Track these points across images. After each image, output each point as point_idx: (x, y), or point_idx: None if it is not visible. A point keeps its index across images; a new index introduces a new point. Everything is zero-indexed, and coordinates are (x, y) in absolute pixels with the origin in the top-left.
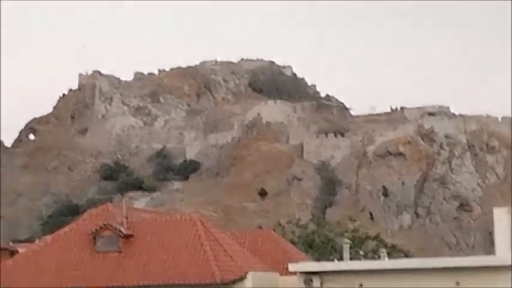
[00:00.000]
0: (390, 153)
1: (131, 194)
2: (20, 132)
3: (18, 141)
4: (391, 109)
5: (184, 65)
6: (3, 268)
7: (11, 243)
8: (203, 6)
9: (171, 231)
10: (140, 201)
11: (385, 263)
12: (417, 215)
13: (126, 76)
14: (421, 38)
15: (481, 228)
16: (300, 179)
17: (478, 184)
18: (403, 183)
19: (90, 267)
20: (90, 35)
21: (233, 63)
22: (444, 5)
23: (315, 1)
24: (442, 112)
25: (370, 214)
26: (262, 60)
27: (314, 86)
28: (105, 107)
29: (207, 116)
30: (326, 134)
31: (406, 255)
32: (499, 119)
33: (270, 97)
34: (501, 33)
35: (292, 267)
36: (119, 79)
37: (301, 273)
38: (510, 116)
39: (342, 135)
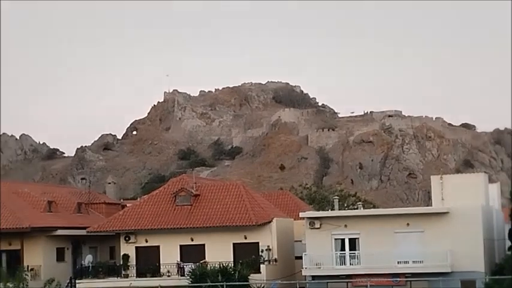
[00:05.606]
0: (364, 141)
1: (198, 168)
2: (127, 129)
3: (125, 135)
4: (364, 112)
5: (231, 85)
6: (119, 216)
7: (122, 200)
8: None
9: (224, 192)
10: (204, 173)
11: (360, 211)
12: (381, 181)
13: (194, 93)
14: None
15: (422, 189)
16: (306, 158)
17: (420, 161)
18: (372, 160)
19: (172, 215)
20: (171, 66)
21: (262, 84)
22: (407, 17)
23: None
24: (397, 114)
25: (351, 180)
26: (281, 82)
27: (314, 98)
28: (181, 113)
29: (246, 118)
30: (322, 129)
31: (374, 207)
32: (433, 118)
33: (287, 106)
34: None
35: (301, 214)
36: (189, 95)
37: (307, 218)
38: (441, 116)
39: (333, 130)
